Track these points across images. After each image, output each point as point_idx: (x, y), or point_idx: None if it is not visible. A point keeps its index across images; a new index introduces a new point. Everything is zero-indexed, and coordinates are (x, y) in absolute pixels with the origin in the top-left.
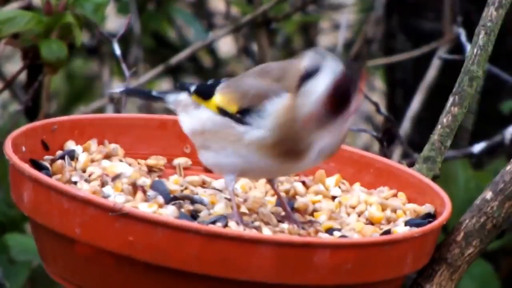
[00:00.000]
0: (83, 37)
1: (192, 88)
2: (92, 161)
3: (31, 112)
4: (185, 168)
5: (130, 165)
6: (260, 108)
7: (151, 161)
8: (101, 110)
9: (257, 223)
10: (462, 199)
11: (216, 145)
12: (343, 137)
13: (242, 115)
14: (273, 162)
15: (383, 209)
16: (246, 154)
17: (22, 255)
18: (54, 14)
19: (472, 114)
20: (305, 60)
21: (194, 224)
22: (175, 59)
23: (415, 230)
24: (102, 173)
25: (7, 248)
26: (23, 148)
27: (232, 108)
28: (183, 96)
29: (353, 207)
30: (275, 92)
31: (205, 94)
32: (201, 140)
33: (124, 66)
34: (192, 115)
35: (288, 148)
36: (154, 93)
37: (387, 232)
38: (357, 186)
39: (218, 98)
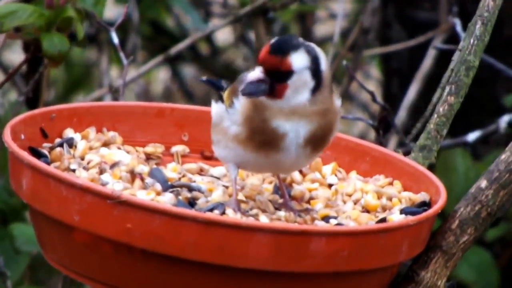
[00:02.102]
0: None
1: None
2: (91, 148)
3: (31, 102)
4: (183, 156)
5: (128, 152)
6: (233, 103)
7: (149, 148)
8: (100, 100)
9: (254, 211)
10: (462, 188)
11: (215, 138)
12: (324, 126)
13: (229, 109)
14: (256, 155)
15: (379, 197)
16: (234, 147)
17: (26, 245)
18: (55, 8)
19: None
20: None
21: (191, 212)
22: (174, 49)
23: (410, 218)
24: (101, 161)
25: (7, 237)
26: (22, 136)
27: (227, 103)
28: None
29: (349, 195)
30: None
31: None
32: (211, 131)
33: (122, 55)
34: (213, 107)
35: (261, 140)
36: (222, 83)
37: (383, 220)
38: (353, 174)
39: (226, 92)
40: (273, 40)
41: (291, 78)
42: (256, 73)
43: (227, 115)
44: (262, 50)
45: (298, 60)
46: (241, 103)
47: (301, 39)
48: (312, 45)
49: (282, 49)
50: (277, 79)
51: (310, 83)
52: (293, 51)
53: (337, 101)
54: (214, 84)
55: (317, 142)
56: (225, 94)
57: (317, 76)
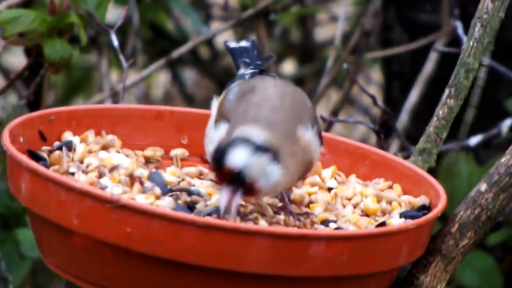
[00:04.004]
0: None
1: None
2: (90, 152)
3: (33, 105)
4: (182, 159)
5: (127, 156)
6: (216, 126)
7: (148, 152)
8: (100, 103)
9: (253, 215)
10: (464, 193)
11: (205, 149)
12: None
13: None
14: None
15: (379, 201)
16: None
17: (31, 250)
18: (58, 13)
19: (473, 108)
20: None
21: (190, 216)
22: (176, 53)
23: (410, 222)
24: (100, 164)
25: (9, 241)
26: (21, 139)
27: (216, 117)
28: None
29: (349, 199)
30: (225, 119)
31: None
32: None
33: (122, 58)
34: (213, 108)
35: None
36: (240, 64)
37: (382, 224)
38: (352, 177)
39: (221, 97)
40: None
41: (246, 176)
42: (224, 196)
43: (211, 131)
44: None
45: (236, 159)
46: (221, 132)
47: (238, 137)
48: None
49: (219, 161)
50: (239, 185)
51: (271, 163)
52: (227, 157)
53: (307, 135)
54: (234, 59)
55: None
56: (219, 100)
57: (275, 157)
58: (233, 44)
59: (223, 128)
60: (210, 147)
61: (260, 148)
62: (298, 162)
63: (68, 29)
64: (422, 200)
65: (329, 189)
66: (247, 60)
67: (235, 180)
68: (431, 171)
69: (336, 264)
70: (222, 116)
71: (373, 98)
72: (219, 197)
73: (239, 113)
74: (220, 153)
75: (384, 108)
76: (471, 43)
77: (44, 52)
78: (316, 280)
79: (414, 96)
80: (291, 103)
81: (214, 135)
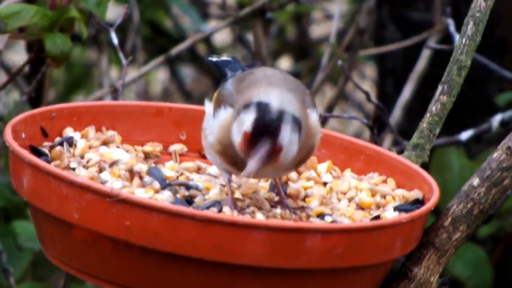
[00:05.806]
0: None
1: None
2: (90, 147)
3: (34, 101)
4: (181, 155)
5: (127, 151)
6: (216, 113)
7: (148, 147)
8: (100, 100)
9: (250, 209)
10: (456, 187)
11: (203, 142)
12: (306, 152)
13: (211, 118)
14: (230, 168)
15: (373, 195)
16: (214, 155)
17: (29, 242)
18: (58, 8)
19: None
20: (261, 94)
21: (189, 210)
22: (175, 50)
23: (404, 216)
24: (100, 160)
25: (10, 234)
26: (23, 135)
27: (214, 107)
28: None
29: (344, 193)
30: (225, 104)
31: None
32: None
33: (121, 55)
34: (206, 107)
35: (231, 157)
36: (227, 71)
37: (377, 217)
38: (348, 172)
39: (215, 94)
40: (252, 127)
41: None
42: (257, 159)
43: (209, 123)
44: (244, 140)
45: (286, 136)
46: (222, 117)
47: (275, 108)
48: (283, 94)
49: (262, 132)
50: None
51: (296, 138)
52: (278, 133)
53: (313, 116)
54: (220, 69)
55: (296, 162)
56: (214, 97)
57: (298, 125)
58: (215, 58)
59: (226, 112)
60: (210, 138)
61: (297, 121)
62: (307, 137)
63: (69, 25)
64: (415, 194)
65: (325, 184)
66: (232, 70)
67: (265, 146)
68: (425, 166)
69: (332, 257)
70: (222, 102)
71: (367, 94)
72: (250, 158)
73: (244, 89)
74: (269, 128)
75: (377, 104)
76: (463, 40)
77: (45, 46)
78: (311, 272)
79: (407, 92)
80: (293, 82)
81: (214, 123)
